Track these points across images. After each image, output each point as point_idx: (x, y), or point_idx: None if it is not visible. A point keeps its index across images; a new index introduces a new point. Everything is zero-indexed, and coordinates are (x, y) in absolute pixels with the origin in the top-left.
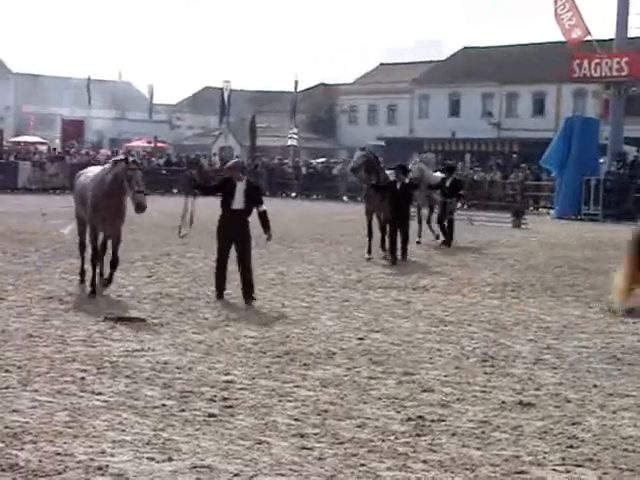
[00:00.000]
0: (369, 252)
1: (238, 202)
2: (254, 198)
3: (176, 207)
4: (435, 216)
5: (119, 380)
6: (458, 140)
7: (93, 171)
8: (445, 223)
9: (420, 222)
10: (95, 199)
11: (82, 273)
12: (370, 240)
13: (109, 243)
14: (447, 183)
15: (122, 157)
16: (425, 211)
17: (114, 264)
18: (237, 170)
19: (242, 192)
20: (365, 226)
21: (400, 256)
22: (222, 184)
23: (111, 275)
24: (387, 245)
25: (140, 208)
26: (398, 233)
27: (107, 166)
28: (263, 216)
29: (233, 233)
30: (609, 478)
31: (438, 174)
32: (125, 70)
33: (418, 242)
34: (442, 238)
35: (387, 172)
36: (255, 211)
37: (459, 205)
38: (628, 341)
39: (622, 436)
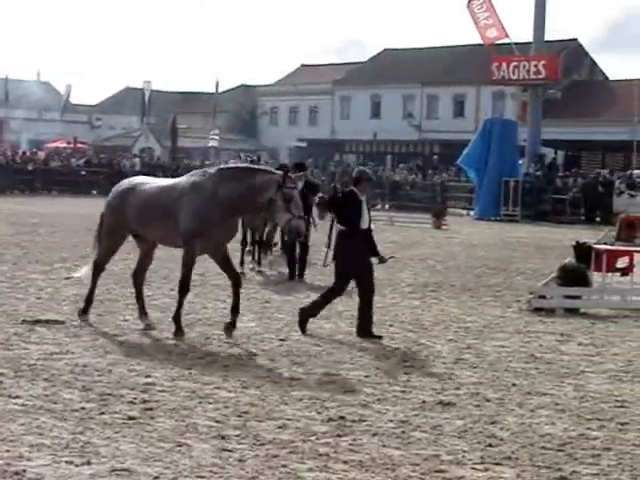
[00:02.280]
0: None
1: (365, 220)
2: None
3: (96, 208)
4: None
5: (37, 383)
6: (379, 141)
7: (161, 181)
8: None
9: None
10: (207, 220)
11: (89, 300)
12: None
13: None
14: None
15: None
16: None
17: (236, 304)
18: (365, 181)
19: (367, 208)
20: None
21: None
22: (347, 199)
23: (235, 320)
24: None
25: (299, 236)
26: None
27: (202, 175)
28: (371, 235)
29: (365, 258)
30: (527, 476)
31: None
32: (44, 70)
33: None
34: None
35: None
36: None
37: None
38: (546, 340)
39: (540, 434)
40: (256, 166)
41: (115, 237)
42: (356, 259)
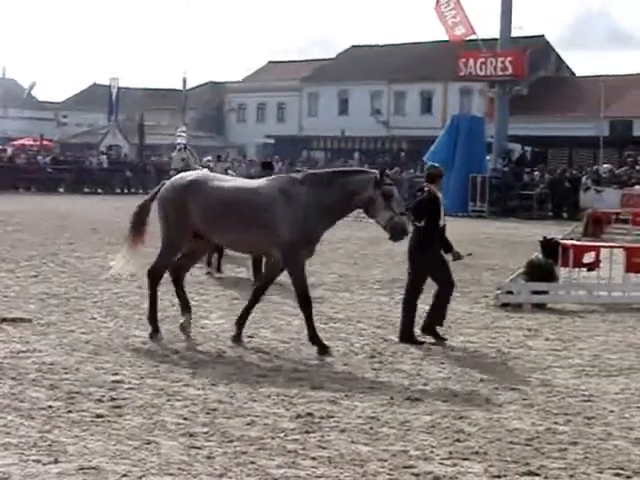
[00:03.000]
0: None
1: (443, 216)
2: None
3: (63, 205)
4: None
5: (4, 382)
6: (347, 138)
7: (232, 181)
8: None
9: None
10: (310, 229)
11: (153, 318)
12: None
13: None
14: None
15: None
16: None
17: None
18: (440, 178)
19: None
20: None
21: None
22: (433, 202)
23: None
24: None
25: (404, 234)
26: None
27: (290, 182)
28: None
29: (442, 255)
30: (495, 470)
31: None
32: (9, 67)
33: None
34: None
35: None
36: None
37: None
38: (513, 336)
39: (507, 429)
40: (345, 168)
41: (178, 237)
42: (435, 257)
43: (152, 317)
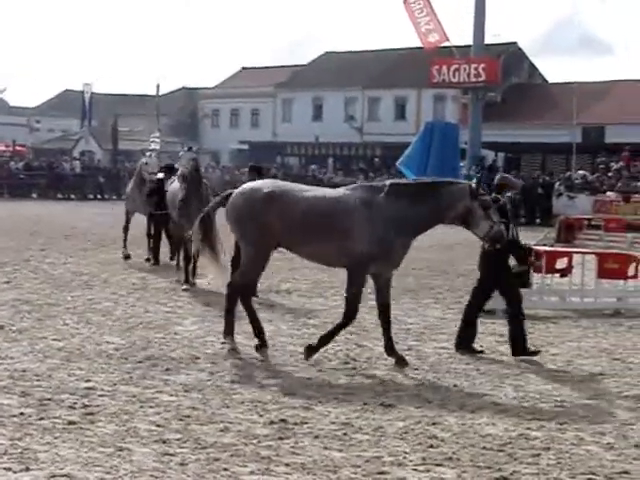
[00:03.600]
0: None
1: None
2: None
3: (37, 211)
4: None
5: None
6: (321, 144)
7: (312, 190)
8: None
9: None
10: (387, 244)
11: (230, 331)
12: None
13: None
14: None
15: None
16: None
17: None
18: (511, 189)
19: None
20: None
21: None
22: (504, 212)
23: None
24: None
25: (503, 242)
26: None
27: (372, 192)
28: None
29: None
30: (468, 476)
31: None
32: None
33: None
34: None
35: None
36: None
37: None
38: (486, 342)
39: (480, 435)
40: (432, 179)
41: (263, 250)
42: (502, 271)
43: (258, 331)
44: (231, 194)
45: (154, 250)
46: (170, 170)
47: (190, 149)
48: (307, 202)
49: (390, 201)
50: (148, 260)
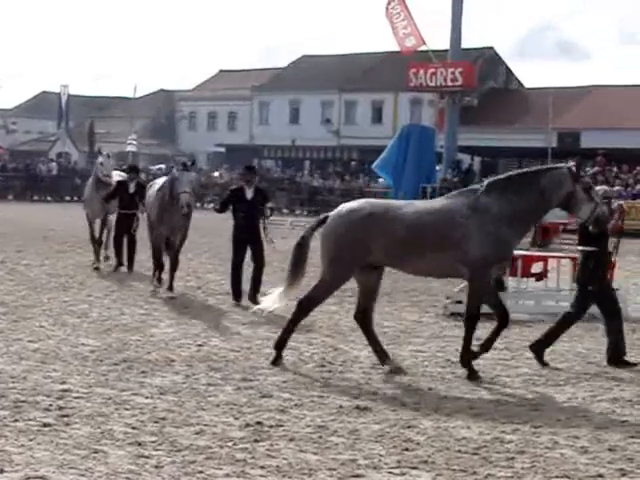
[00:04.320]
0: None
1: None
2: None
3: (12, 214)
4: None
5: None
6: (298, 147)
7: (414, 205)
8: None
9: (95, 241)
10: (503, 244)
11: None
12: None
13: None
14: (131, 189)
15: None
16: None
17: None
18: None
19: None
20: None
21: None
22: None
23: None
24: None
25: (607, 222)
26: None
27: (473, 195)
28: None
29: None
30: (443, 479)
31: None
32: None
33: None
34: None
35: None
36: None
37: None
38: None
39: (456, 438)
40: (531, 168)
41: (346, 273)
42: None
43: (282, 343)
44: (327, 217)
45: (118, 250)
46: (133, 170)
47: (185, 166)
48: (411, 218)
49: (494, 199)
50: (97, 269)
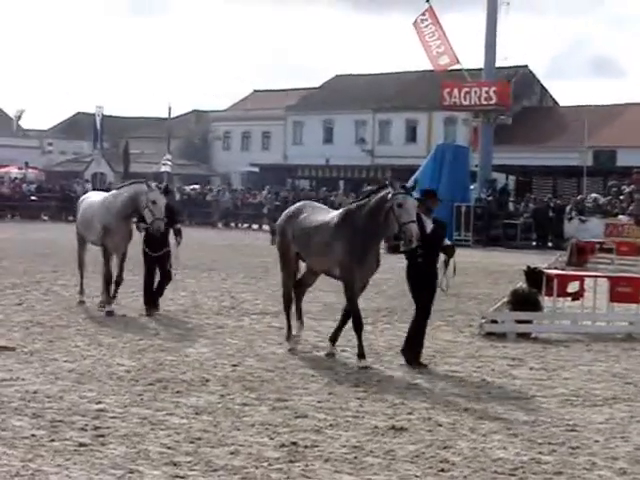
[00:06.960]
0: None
1: None
2: None
3: (47, 234)
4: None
5: None
6: (332, 167)
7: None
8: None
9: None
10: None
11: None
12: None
13: None
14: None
15: None
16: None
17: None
18: None
19: None
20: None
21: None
22: None
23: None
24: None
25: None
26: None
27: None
28: None
29: None
30: None
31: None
32: None
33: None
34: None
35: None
36: None
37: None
38: (497, 365)
39: (492, 458)
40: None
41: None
42: None
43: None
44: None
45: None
46: (165, 192)
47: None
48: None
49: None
50: (82, 302)
